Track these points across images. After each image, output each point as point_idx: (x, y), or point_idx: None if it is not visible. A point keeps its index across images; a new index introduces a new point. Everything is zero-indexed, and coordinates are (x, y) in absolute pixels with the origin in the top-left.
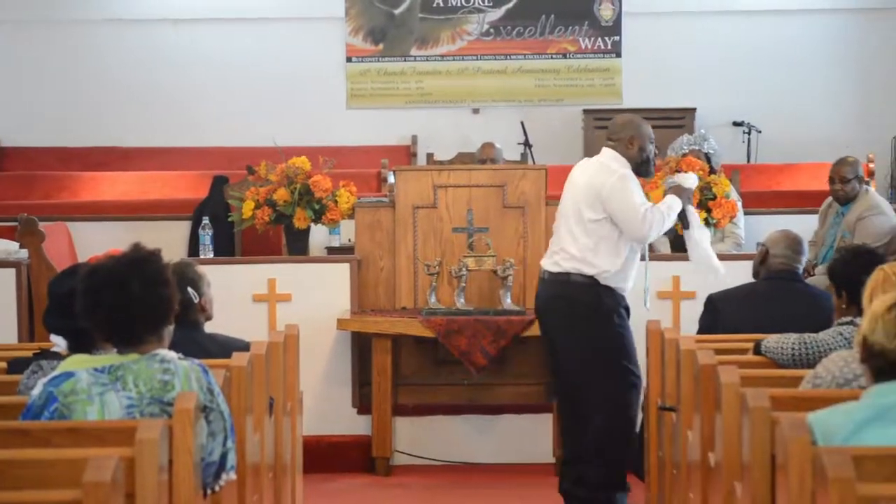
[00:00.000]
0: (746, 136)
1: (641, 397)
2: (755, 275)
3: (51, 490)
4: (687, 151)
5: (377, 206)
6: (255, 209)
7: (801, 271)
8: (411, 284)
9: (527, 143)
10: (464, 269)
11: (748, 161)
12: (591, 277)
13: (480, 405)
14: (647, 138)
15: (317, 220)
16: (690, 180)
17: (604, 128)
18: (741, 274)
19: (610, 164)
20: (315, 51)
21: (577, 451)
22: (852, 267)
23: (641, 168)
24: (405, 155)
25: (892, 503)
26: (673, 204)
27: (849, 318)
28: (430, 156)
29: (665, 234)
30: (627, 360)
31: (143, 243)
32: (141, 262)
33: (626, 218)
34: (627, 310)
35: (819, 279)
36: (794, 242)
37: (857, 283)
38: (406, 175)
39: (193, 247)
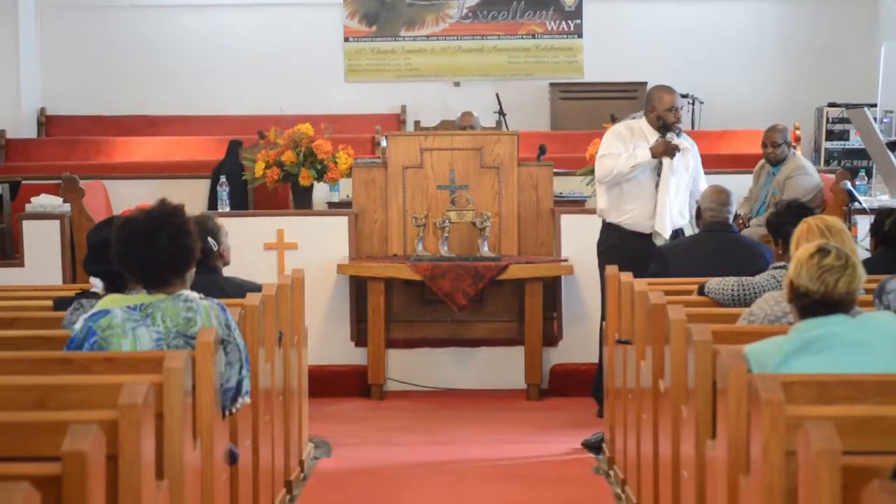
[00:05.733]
0: (691, 106)
1: None
2: (696, 227)
3: (91, 410)
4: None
5: (371, 166)
6: (265, 169)
7: (730, 221)
8: (401, 234)
9: (501, 112)
10: (447, 221)
11: (692, 128)
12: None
13: (461, 339)
14: (663, 107)
15: (319, 178)
16: (679, 143)
17: (567, 99)
18: (687, 227)
19: (621, 125)
20: (317, 32)
21: None
22: (784, 218)
23: (662, 131)
24: (396, 122)
25: (816, 422)
26: (641, 157)
27: (782, 263)
28: (417, 123)
29: None
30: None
31: (168, 199)
32: (167, 215)
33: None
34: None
35: (753, 230)
36: (718, 195)
37: (790, 232)
38: (396, 139)
39: (212, 202)
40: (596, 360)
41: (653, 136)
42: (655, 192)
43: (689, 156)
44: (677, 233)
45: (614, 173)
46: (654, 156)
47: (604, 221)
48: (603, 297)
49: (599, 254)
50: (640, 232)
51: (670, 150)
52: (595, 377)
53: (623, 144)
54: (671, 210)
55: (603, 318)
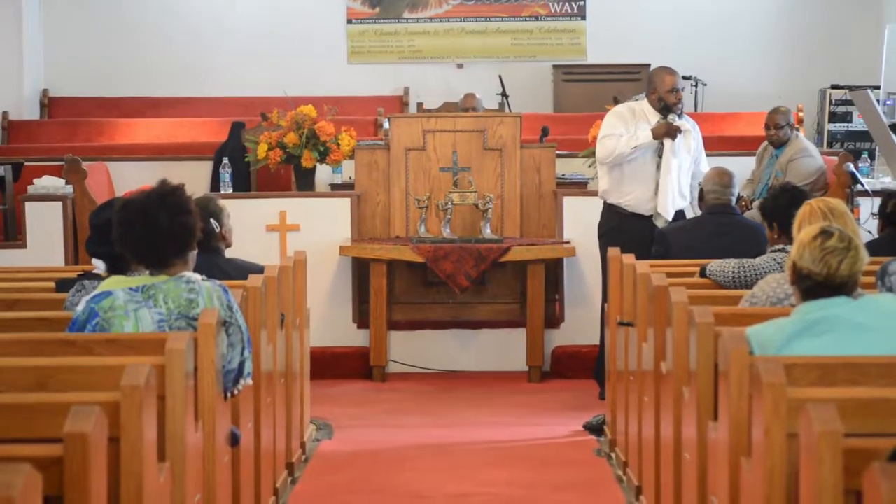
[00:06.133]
0: (694, 88)
1: None
2: (699, 209)
3: (93, 392)
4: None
5: (374, 148)
6: (268, 151)
7: (733, 203)
8: (404, 216)
9: (504, 94)
10: (449, 203)
11: (696, 110)
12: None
13: (463, 321)
14: (664, 88)
15: (322, 160)
16: (680, 125)
17: (570, 81)
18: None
19: (622, 106)
20: (320, 14)
21: None
22: (779, 202)
23: (664, 112)
24: (398, 104)
25: (818, 404)
26: (642, 138)
27: (780, 246)
28: (420, 105)
29: None
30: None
31: (168, 179)
32: (167, 195)
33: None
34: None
35: (756, 213)
36: (721, 177)
37: (785, 215)
38: (399, 121)
39: (215, 183)
40: (597, 342)
41: (654, 118)
42: (657, 173)
43: (690, 137)
44: (678, 214)
45: (615, 154)
46: (655, 137)
47: (605, 203)
48: (604, 279)
49: (600, 236)
50: (640, 214)
51: (672, 132)
52: (597, 359)
53: (624, 125)
54: (673, 192)
55: (604, 300)
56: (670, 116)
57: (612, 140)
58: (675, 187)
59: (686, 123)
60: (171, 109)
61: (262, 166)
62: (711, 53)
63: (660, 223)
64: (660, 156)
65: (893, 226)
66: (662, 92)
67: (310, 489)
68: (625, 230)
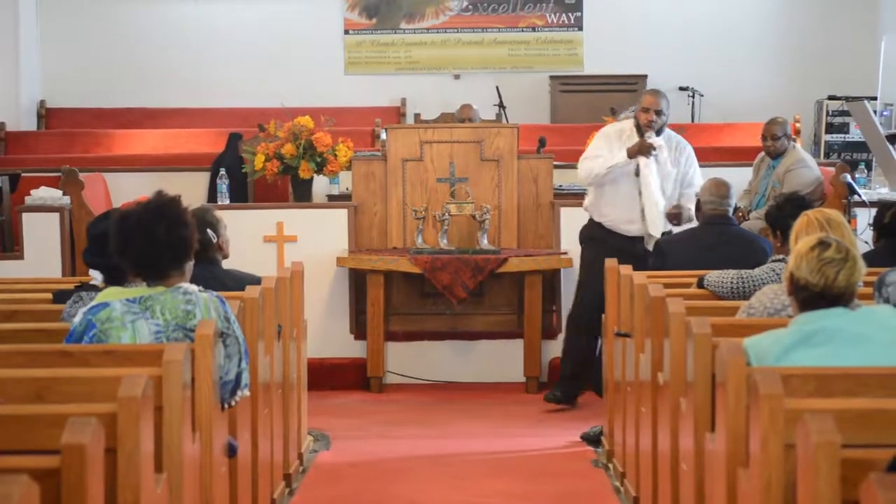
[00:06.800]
0: (691, 98)
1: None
2: (697, 220)
3: (90, 403)
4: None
5: (371, 159)
6: (265, 162)
7: (731, 213)
8: (401, 227)
9: (501, 105)
10: (446, 213)
11: (692, 121)
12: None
13: (461, 332)
14: (640, 107)
15: (319, 171)
16: (654, 141)
17: (567, 92)
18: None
19: (611, 126)
20: (317, 25)
21: None
22: (784, 211)
23: (639, 132)
24: (395, 115)
25: (816, 415)
26: (619, 158)
27: (781, 256)
28: (417, 116)
29: None
30: (581, 285)
31: (164, 190)
32: (164, 207)
33: None
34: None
35: (753, 223)
36: (719, 187)
37: (789, 225)
38: (396, 132)
39: (212, 194)
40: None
41: (636, 137)
42: (639, 197)
43: (669, 152)
44: (664, 232)
45: (593, 175)
46: (629, 156)
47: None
48: (578, 285)
49: (580, 242)
50: (620, 233)
51: (644, 149)
52: (594, 370)
53: (608, 146)
54: (659, 209)
55: (575, 305)
56: (648, 134)
57: (590, 161)
58: (659, 204)
59: (659, 140)
60: (169, 120)
61: (260, 177)
62: (708, 64)
63: (650, 245)
64: (639, 175)
65: (890, 236)
66: (638, 110)
67: (307, 500)
68: (607, 242)
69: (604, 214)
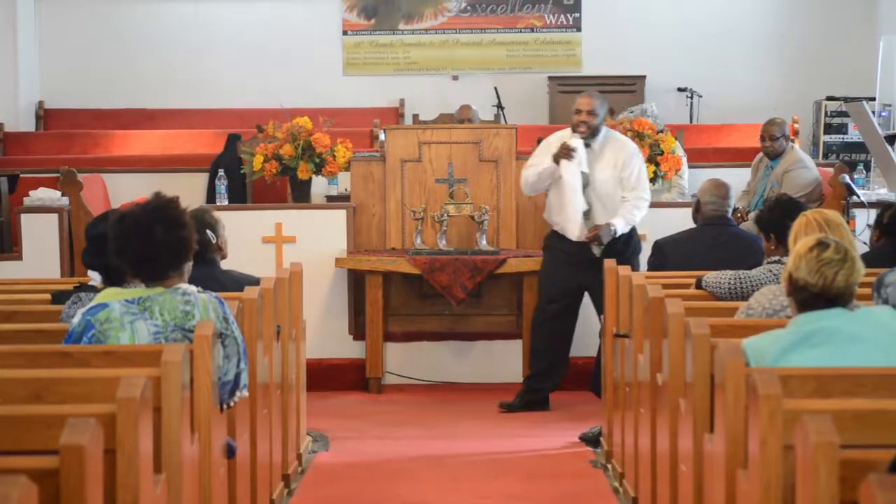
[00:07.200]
0: (689, 99)
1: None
2: (694, 221)
3: (89, 404)
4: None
5: (370, 160)
6: (264, 162)
7: (730, 214)
8: (400, 228)
9: (499, 106)
10: (445, 214)
11: (691, 121)
12: None
13: (459, 332)
14: (573, 111)
15: (317, 172)
16: (570, 142)
17: (566, 92)
18: (685, 219)
19: (554, 135)
20: (316, 26)
21: None
22: (775, 213)
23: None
24: (394, 116)
25: (814, 416)
26: (545, 164)
27: (777, 258)
28: (415, 116)
29: None
30: (539, 291)
31: (163, 191)
32: (162, 208)
33: None
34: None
35: (751, 224)
36: (719, 188)
37: (780, 227)
38: (395, 133)
39: (210, 195)
40: (594, 353)
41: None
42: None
43: (610, 154)
44: (621, 237)
45: (528, 183)
46: (554, 161)
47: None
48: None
49: (542, 248)
50: (569, 239)
51: (563, 152)
52: (593, 371)
53: (547, 153)
54: (577, 212)
55: (539, 309)
56: (572, 139)
57: (526, 170)
58: (577, 206)
59: (574, 141)
60: (167, 121)
61: (258, 178)
62: (707, 65)
63: (596, 251)
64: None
65: (890, 236)
66: (572, 112)
67: (306, 501)
68: (557, 247)
69: (554, 222)
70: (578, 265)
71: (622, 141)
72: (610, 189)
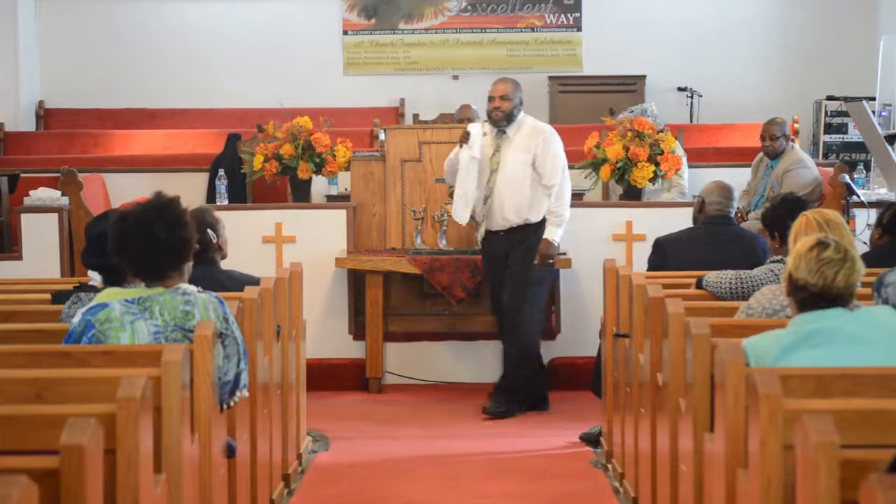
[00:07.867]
0: (689, 99)
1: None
2: (694, 220)
3: (89, 404)
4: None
5: (370, 159)
6: (264, 162)
7: (732, 215)
8: (400, 228)
9: None
10: (445, 214)
11: (691, 121)
12: None
13: (459, 332)
14: (488, 97)
15: (318, 171)
16: (469, 127)
17: (566, 92)
18: (685, 219)
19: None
20: (316, 25)
21: None
22: (779, 212)
23: (493, 124)
24: (394, 115)
25: (814, 416)
26: (454, 152)
27: (779, 257)
28: (415, 116)
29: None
30: None
31: (163, 191)
32: (162, 207)
33: None
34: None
35: (752, 224)
36: (725, 190)
37: (784, 225)
38: (395, 133)
39: (210, 195)
40: (594, 353)
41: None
42: (485, 187)
43: (523, 138)
44: (528, 225)
45: (445, 171)
46: (460, 145)
47: None
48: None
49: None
50: (490, 230)
51: (462, 137)
52: (593, 371)
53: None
54: (466, 195)
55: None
56: (470, 125)
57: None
58: (468, 190)
59: (474, 128)
60: (167, 121)
61: (259, 178)
62: (707, 65)
63: (479, 234)
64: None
65: (891, 236)
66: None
67: (306, 501)
68: (487, 243)
69: (478, 214)
70: (494, 253)
71: (538, 127)
72: (519, 174)
